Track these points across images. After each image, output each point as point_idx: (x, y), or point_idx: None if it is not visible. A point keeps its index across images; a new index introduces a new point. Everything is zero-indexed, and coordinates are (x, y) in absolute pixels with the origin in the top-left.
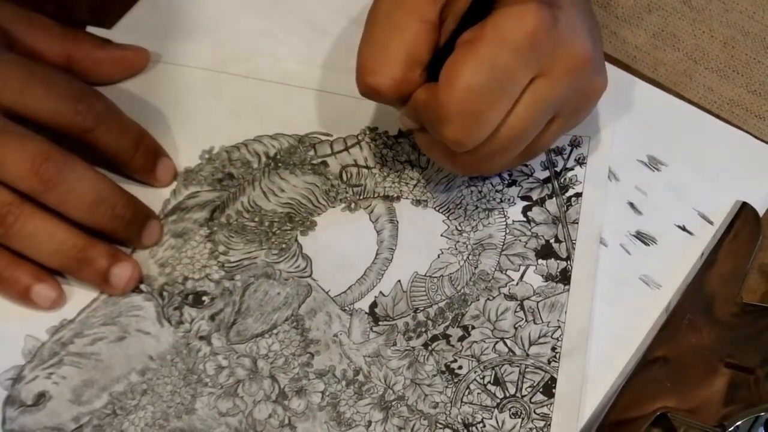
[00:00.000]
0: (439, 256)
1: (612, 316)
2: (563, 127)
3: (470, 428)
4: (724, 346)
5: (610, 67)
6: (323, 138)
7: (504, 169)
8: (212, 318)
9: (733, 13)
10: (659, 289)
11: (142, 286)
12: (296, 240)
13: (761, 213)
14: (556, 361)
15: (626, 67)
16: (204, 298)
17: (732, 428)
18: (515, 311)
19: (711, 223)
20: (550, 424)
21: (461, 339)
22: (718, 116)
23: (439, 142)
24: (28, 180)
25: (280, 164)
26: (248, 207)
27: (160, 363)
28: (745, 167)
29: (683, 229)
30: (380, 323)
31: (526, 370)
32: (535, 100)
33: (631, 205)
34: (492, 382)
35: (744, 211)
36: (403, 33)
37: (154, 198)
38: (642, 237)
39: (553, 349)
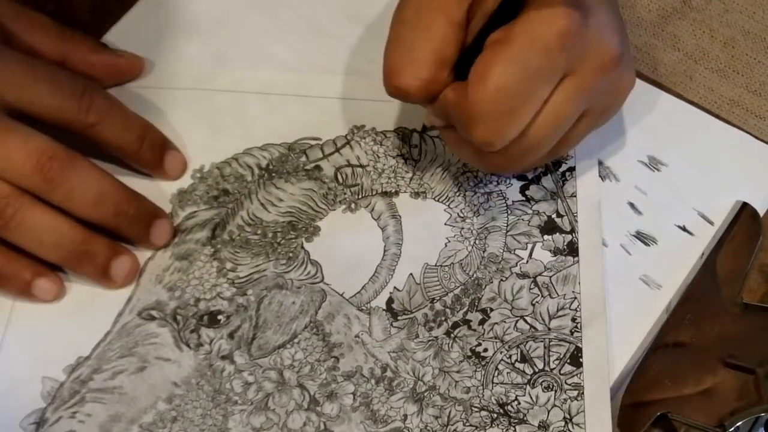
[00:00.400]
0: (446, 245)
1: (612, 316)
2: (592, 125)
3: (506, 407)
4: (724, 346)
5: None
6: (313, 143)
7: (533, 167)
8: (231, 336)
9: (733, 13)
10: (659, 289)
11: (155, 312)
12: (302, 247)
13: (761, 213)
14: (578, 331)
15: None
16: (219, 317)
17: (732, 429)
18: (530, 288)
19: (711, 223)
20: (582, 393)
21: (482, 322)
22: (718, 116)
23: (468, 141)
24: (32, 178)
25: (274, 174)
26: (249, 220)
27: (185, 388)
28: (746, 167)
29: (683, 229)
30: (399, 318)
31: (551, 343)
32: (565, 99)
33: (632, 205)
34: (519, 360)
35: (744, 211)
36: (430, 33)
37: (161, 196)
38: (642, 237)
39: (573, 320)
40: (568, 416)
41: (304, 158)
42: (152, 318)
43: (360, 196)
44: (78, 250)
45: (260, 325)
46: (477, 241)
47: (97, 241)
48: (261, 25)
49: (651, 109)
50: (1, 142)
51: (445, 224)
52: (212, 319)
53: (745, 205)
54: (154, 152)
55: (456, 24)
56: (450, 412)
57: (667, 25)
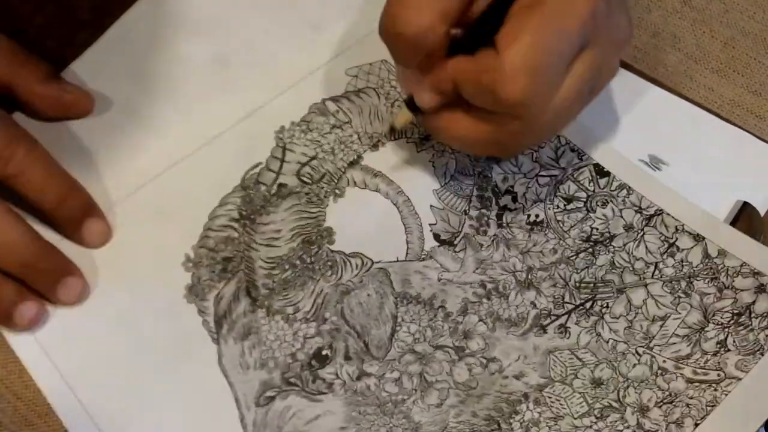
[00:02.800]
0: (433, 164)
1: None
2: (582, 106)
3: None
4: None
5: None
6: (257, 169)
7: (541, 142)
8: (347, 358)
9: (734, 13)
10: None
11: (269, 392)
12: (331, 251)
13: (761, 213)
14: None
15: (626, 67)
16: (324, 352)
17: None
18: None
19: None
20: None
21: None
22: (718, 116)
23: (479, 117)
24: None
25: (252, 216)
26: (270, 265)
27: (354, 424)
28: (746, 167)
29: None
30: (455, 243)
31: None
32: (584, 71)
33: None
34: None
35: (744, 210)
36: None
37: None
38: None
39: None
40: None
41: (263, 187)
42: (271, 398)
43: (336, 181)
44: None
45: (362, 332)
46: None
47: (5, 285)
48: (261, 25)
49: (652, 109)
50: None
51: (418, 152)
52: (320, 358)
53: (745, 204)
54: (73, 216)
55: None
56: (557, 282)
57: (667, 25)
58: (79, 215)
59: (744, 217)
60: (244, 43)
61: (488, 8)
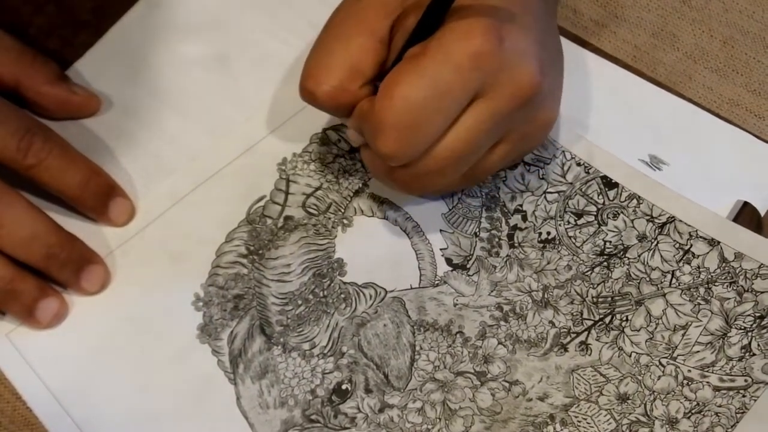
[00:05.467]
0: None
1: None
2: (509, 154)
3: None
4: None
5: (609, 67)
6: (263, 202)
7: (446, 191)
8: (368, 391)
9: (733, 12)
10: None
11: (292, 431)
12: (344, 283)
13: (762, 213)
14: None
15: (626, 67)
16: (344, 386)
17: None
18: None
19: None
20: None
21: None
22: (718, 115)
23: (374, 158)
24: None
25: (260, 251)
26: (282, 301)
27: None
28: (746, 167)
29: None
30: (468, 266)
31: None
32: (475, 122)
33: None
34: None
35: (744, 210)
36: (348, 43)
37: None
38: None
39: None
40: None
41: (269, 221)
42: None
43: (343, 210)
44: (5, 288)
45: (381, 363)
46: None
47: (26, 280)
48: (261, 25)
49: (652, 109)
50: None
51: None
52: (340, 393)
53: (746, 204)
54: (98, 198)
55: (377, 38)
56: (574, 299)
57: (666, 24)
58: (103, 197)
59: (744, 217)
60: (244, 43)
61: (393, 62)
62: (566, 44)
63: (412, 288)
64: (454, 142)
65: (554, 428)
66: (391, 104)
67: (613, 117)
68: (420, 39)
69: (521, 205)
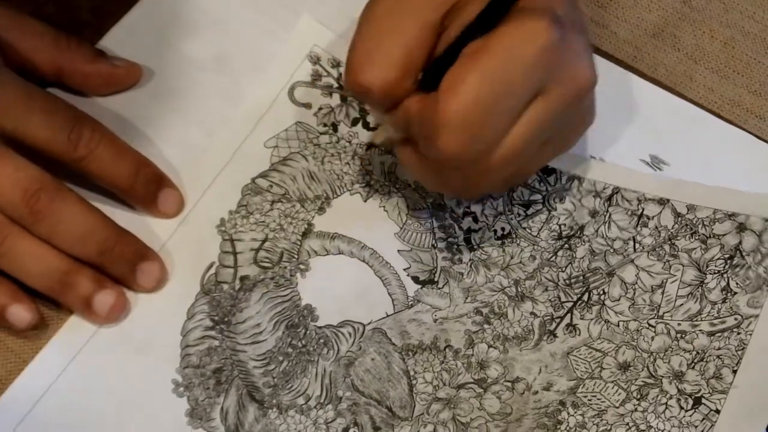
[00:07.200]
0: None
1: None
2: (553, 153)
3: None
4: None
5: (610, 67)
6: (213, 269)
7: (492, 192)
8: (376, 429)
9: (733, 13)
10: None
11: None
12: (319, 328)
13: None
14: None
15: (626, 67)
16: (351, 431)
17: None
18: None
19: None
20: None
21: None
22: (718, 116)
23: (426, 157)
24: (19, 208)
25: (226, 318)
26: (263, 364)
27: None
28: (746, 167)
29: None
30: (433, 278)
31: None
32: (536, 119)
33: None
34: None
35: None
36: (402, 35)
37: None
38: None
39: None
40: None
41: (225, 286)
42: None
43: (297, 256)
44: (63, 280)
45: (380, 398)
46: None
47: (83, 272)
48: (261, 25)
49: (653, 109)
50: None
51: (365, 201)
52: None
53: None
54: (148, 188)
55: (429, 28)
56: (547, 286)
57: (667, 25)
58: (153, 187)
59: None
60: (244, 43)
61: (444, 52)
62: None
63: (388, 315)
64: (515, 140)
65: (567, 413)
66: (458, 103)
67: (614, 118)
68: (478, 34)
69: (468, 207)
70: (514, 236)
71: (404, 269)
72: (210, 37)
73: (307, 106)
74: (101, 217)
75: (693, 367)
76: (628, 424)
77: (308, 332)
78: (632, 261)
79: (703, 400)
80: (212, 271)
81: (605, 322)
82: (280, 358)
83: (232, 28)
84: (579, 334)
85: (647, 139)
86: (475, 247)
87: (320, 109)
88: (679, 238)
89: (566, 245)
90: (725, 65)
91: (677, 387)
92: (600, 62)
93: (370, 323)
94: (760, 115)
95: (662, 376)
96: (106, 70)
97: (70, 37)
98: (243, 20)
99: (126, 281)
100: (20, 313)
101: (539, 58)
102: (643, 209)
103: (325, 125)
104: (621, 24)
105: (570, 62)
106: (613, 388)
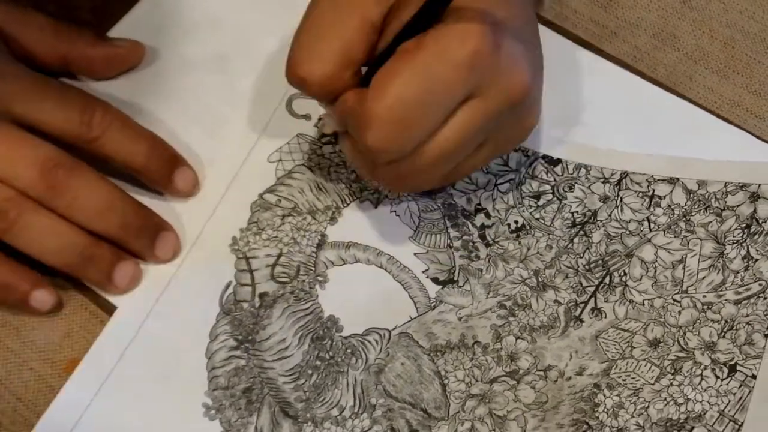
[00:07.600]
0: (398, 217)
1: None
2: (491, 154)
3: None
4: None
5: (610, 67)
6: (231, 289)
7: (427, 188)
8: None
9: (733, 13)
10: None
11: None
12: (344, 338)
13: None
14: None
15: (627, 68)
16: None
17: None
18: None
19: None
20: None
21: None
22: (718, 116)
23: (354, 149)
24: (37, 185)
25: (250, 337)
26: (291, 379)
27: None
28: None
29: None
30: (453, 277)
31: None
32: (467, 122)
33: None
34: None
35: None
36: (342, 28)
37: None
38: None
39: None
40: None
41: (245, 304)
42: None
43: (314, 268)
44: (82, 254)
45: (415, 402)
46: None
47: (101, 246)
48: (261, 25)
49: (653, 109)
50: (8, 148)
51: (376, 208)
52: None
53: None
54: (163, 167)
55: (370, 25)
56: (567, 273)
57: (667, 25)
58: (169, 166)
59: None
60: (244, 43)
61: (383, 50)
62: (567, 45)
63: (412, 319)
64: (444, 140)
65: (604, 395)
66: (384, 100)
67: (614, 118)
68: (415, 32)
69: (479, 204)
70: (528, 228)
71: (423, 271)
72: (210, 37)
73: (307, 117)
74: (119, 191)
75: (724, 336)
76: (665, 399)
77: (334, 343)
78: (649, 240)
79: (738, 367)
80: (230, 290)
81: (630, 302)
82: (309, 372)
83: (232, 28)
84: (605, 317)
85: (647, 139)
86: (491, 242)
87: (320, 119)
88: (693, 213)
89: (581, 232)
90: (725, 65)
91: (710, 357)
92: (599, 62)
93: (395, 328)
94: (760, 115)
95: (694, 348)
96: (110, 51)
97: (70, 25)
98: (243, 20)
99: (144, 253)
100: (44, 297)
101: (469, 61)
102: (654, 190)
103: (326, 135)
104: (621, 24)
105: (504, 67)
106: (646, 365)
